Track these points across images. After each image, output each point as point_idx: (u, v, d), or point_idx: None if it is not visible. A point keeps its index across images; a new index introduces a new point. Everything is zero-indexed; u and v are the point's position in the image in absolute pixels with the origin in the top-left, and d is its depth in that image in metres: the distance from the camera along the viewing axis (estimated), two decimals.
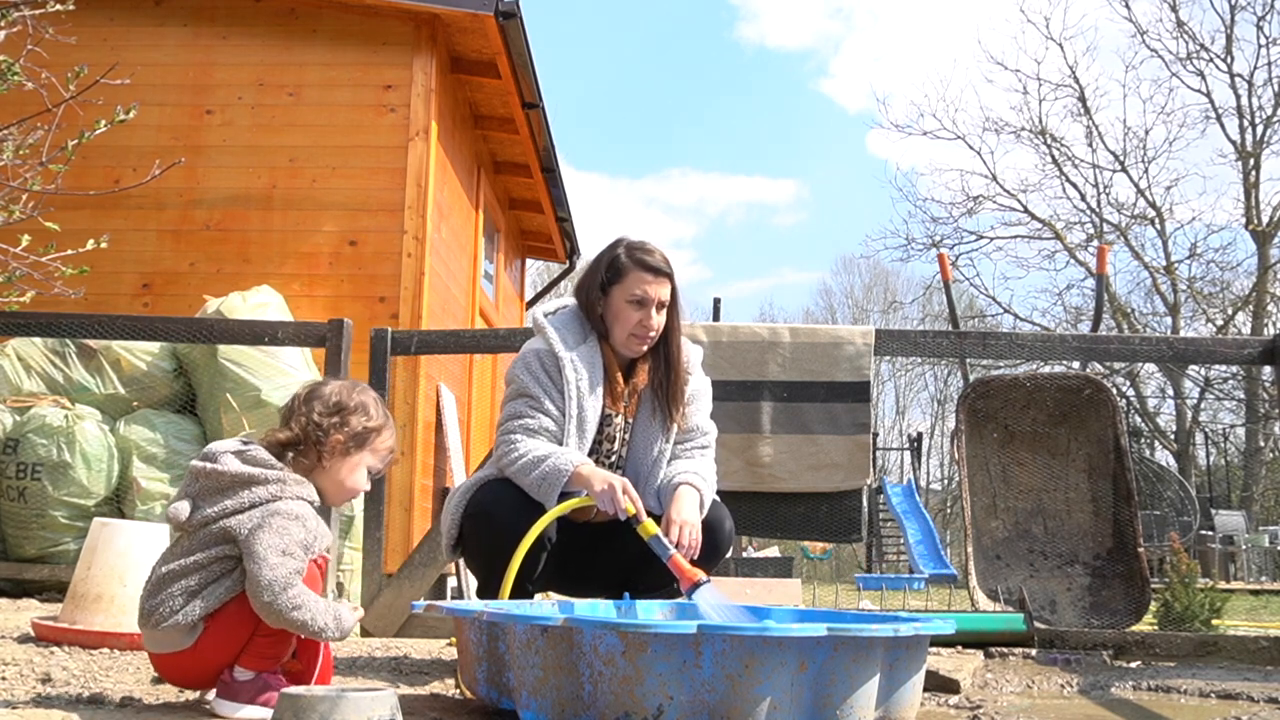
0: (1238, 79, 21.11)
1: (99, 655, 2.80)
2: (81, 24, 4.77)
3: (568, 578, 2.83)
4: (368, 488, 2.27)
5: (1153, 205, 21.86)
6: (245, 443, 2.16)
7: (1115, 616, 3.96)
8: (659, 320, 2.71)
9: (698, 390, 2.84)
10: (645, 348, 2.74)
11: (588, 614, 2.47)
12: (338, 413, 2.16)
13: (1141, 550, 4.07)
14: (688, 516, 2.56)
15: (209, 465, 2.08)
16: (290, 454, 2.14)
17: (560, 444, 2.63)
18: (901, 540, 13.20)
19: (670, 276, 2.73)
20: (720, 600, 2.35)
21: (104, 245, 4.04)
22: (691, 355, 2.84)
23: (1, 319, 4.30)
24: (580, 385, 2.67)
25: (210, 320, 4.79)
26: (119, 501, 5.07)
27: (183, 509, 2.05)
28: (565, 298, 2.91)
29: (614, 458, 2.77)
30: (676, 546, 2.45)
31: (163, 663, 2.09)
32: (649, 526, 2.42)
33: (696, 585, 2.36)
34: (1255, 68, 20.96)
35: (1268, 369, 4.29)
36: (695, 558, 2.51)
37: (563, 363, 2.67)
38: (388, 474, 4.39)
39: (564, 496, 2.51)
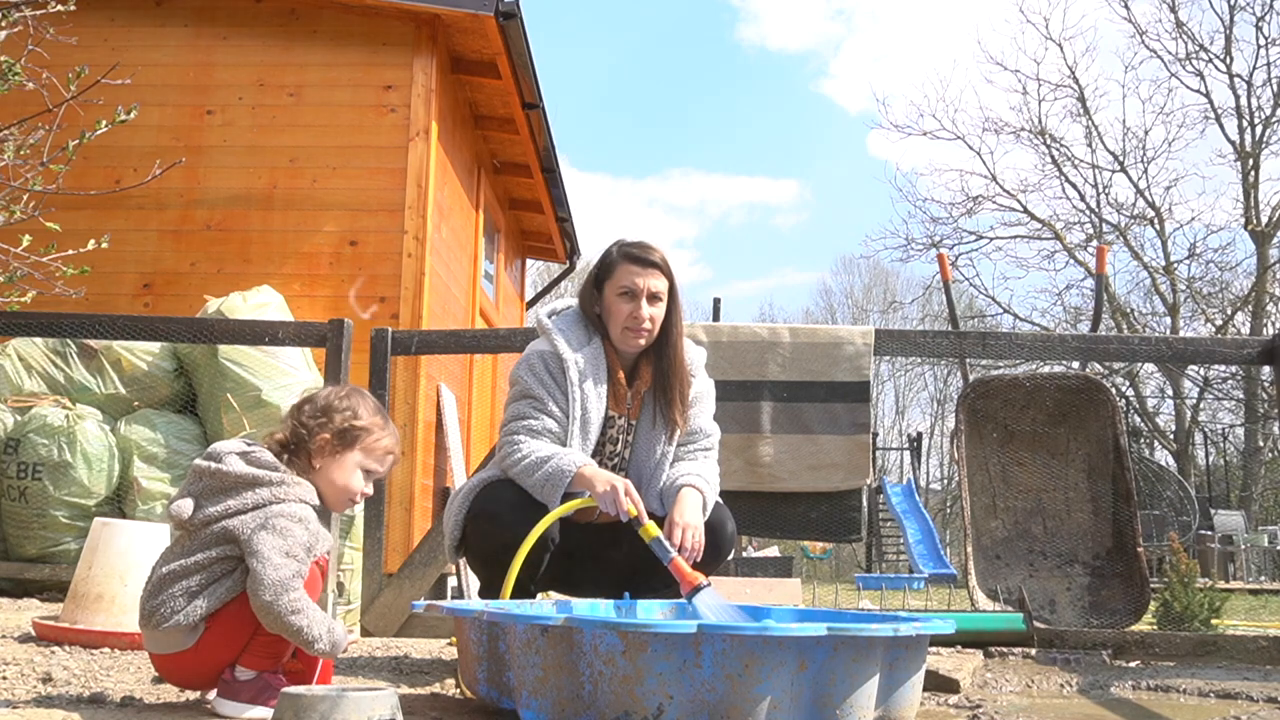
0: (1237, 79, 21.12)
1: (100, 655, 2.80)
2: (82, 24, 4.78)
3: (569, 578, 2.83)
4: (369, 491, 2.27)
5: (1152, 205, 21.85)
6: (249, 444, 2.17)
7: (1114, 616, 3.96)
8: (651, 312, 2.68)
9: (701, 393, 2.83)
10: (643, 341, 2.72)
11: (588, 614, 2.48)
12: (324, 413, 2.19)
13: (1141, 550, 4.07)
14: (690, 519, 2.55)
15: (213, 465, 2.09)
16: (286, 456, 2.16)
17: (563, 445, 2.63)
18: (901, 540, 13.19)
19: (664, 271, 2.71)
20: (721, 604, 2.35)
21: (105, 245, 4.05)
22: (695, 358, 2.83)
23: (2, 319, 4.30)
24: (584, 387, 2.66)
25: (211, 320, 4.79)
26: (120, 501, 5.08)
27: (186, 507, 2.05)
28: (567, 298, 2.90)
29: (616, 460, 2.77)
30: (679, 549, 2.45)
31: (163, 663, 2.09)
32: (650, 529, 2.42)
33: (697, 589, 2.35)
34: (1254, 68, 20.96)
35: (1267, 369, 4.29)
36: (698, 560, 2.51)
37: (567, 364, 2.67)
38: (388, 474, 4.39)
39: (567, 497, 2.51)
